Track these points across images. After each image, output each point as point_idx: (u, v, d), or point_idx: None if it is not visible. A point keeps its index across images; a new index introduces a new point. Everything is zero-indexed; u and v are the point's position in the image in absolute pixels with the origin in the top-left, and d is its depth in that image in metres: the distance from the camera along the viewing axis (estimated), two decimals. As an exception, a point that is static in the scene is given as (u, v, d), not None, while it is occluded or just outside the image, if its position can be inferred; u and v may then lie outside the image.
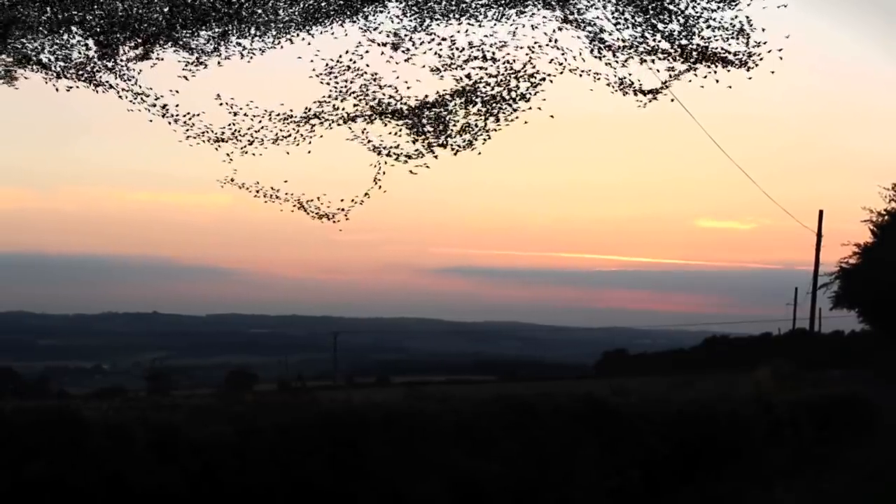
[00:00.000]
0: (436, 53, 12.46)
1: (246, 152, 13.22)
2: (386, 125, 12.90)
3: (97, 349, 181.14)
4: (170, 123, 13.11)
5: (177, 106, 13.02)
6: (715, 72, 12.56)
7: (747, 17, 12.23)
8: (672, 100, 13.30)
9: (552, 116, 13.00)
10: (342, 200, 13.19)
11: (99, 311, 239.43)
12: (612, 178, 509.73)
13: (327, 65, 12.52)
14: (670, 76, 12.75)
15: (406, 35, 12.48)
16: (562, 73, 12.52)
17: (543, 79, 12.56)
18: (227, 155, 13.15)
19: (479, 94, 12.68)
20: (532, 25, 12.38)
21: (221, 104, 12.89)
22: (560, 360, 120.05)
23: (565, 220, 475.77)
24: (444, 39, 12.44)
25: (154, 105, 13.03)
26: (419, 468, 8.58)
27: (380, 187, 13.03)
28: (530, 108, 12.73)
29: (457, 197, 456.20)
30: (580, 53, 12.43)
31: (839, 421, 19.92)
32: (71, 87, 13.06)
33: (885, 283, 45.30)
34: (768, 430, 15.98)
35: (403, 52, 12.50)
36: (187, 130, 13.13)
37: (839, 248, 57.36)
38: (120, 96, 13.04)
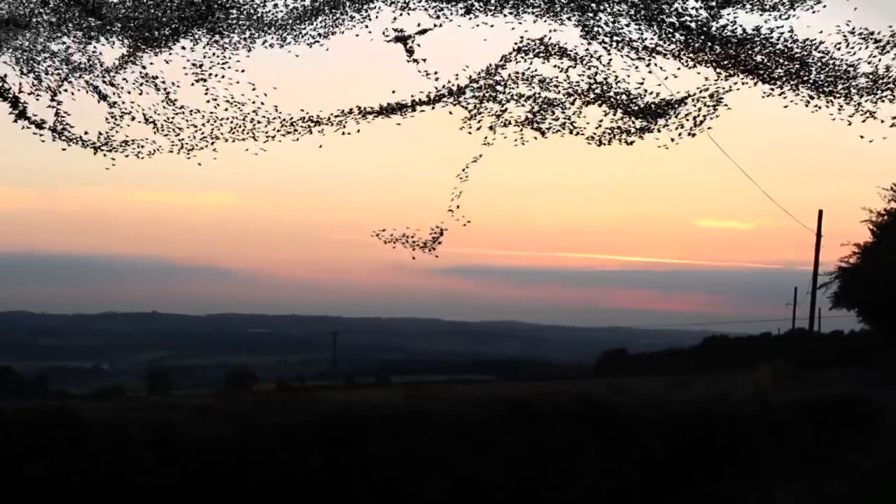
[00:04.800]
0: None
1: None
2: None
3: (97, 349, 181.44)
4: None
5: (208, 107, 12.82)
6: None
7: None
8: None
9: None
10: (435, 228, 12.98)
11: (99, 311, 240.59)
12: (613, 178, 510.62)
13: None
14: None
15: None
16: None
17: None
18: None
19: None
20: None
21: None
22: (560, 360, 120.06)
23: (565, 220, 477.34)
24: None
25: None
26: (419, 468, 8.58)
27: (456, 200, 12.80)
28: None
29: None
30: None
31: (839, 421, 19.89)
32: None
33: (885, 283, 45.24)
34: (768, 429, 15.96)
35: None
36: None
37: (839, 248, 57.50)
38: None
